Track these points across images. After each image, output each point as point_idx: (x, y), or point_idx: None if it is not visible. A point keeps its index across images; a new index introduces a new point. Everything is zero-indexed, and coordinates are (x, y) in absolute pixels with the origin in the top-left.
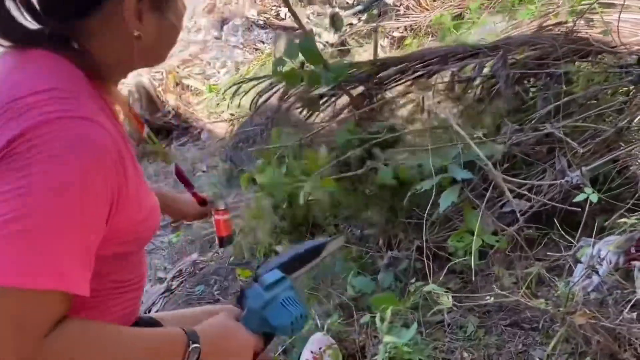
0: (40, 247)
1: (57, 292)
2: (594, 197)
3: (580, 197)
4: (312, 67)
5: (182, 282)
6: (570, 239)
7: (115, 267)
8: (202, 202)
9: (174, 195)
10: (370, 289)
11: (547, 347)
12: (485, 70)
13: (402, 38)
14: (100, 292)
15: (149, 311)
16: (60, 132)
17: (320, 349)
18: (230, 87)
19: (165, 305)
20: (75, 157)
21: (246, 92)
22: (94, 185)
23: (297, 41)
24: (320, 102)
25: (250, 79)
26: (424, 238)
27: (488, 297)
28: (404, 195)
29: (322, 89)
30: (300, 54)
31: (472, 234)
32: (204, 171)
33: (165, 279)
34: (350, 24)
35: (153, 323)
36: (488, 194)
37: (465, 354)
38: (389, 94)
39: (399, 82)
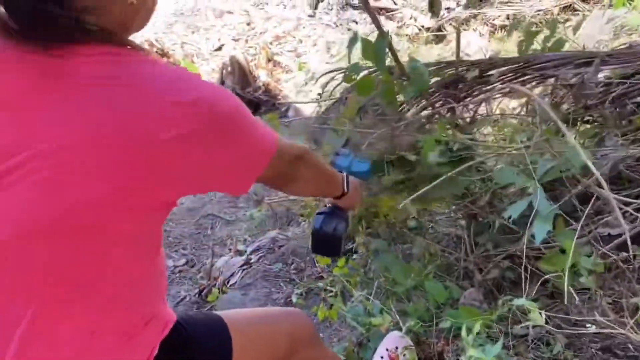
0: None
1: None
2: None
3: None
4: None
5: (260, 257)
6: None
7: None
8: None
9: None
10: (456, 295)
11: None
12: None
13: (503, 27)
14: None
15: (228, 282)
16: None
17: (396, 348)
18: (321, 77)
19: (244, 277)
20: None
21: (332, 78)
22: None
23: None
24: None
25: (339, 71)
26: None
27: (589, 325)
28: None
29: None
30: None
31: (565, 252)
32: None
33: (245, 251)
34: (448, 9)
35: (218, 325)
36: (587, 210)
37: None
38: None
39: (492, 85)
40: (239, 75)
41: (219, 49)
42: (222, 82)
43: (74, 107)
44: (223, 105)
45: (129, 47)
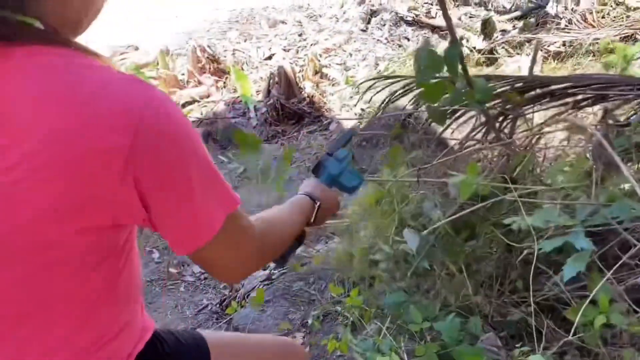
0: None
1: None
2: None
3: None
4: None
5: (282, 274)
6: None
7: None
8: None
9: None
10: (475, 331)
11: None
12: None
13: (558, 54)
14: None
15: (248, 296)
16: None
17: None
18: (364, 82)
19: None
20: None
21: (379, 91)
22: None
23: (441, 52)
24: (450, 117)
25: (387, 77)
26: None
27: None
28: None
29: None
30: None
31: (597, 305)
32: None
33: (268, 266)
34: (504, 31)
35: (202, 347)
36: (625, 258)
37: None
38: (531, 120)
39: (547, 107)
40: (285, 85)
41: (269, 57)
42: (269, 92)
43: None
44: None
45: (73, 48)
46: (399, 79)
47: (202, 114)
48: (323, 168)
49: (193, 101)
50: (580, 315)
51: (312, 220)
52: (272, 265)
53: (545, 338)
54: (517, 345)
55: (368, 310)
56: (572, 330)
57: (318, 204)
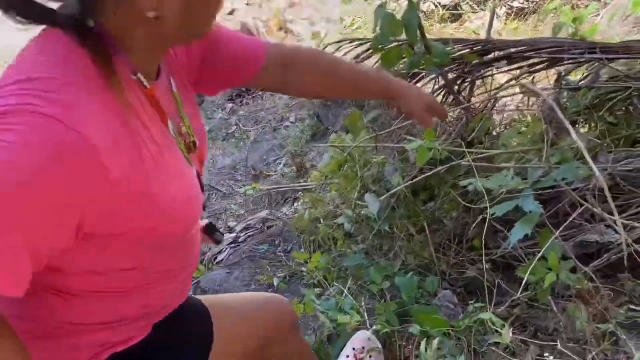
0: None
1: None
2: None
3: None
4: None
5: (249, 236)
6: None
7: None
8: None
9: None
10: (430, 289)
11: None
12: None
13: (522, 10)
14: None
15: (215, 258)
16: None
17: (363, 348)
18: (328, 45)
19: (231, 255)
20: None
21: (344, 53)
22: (47, 187)
23: (398, 16)
24: (410, 80)
25: (351, 40)
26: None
27: (546, 354)
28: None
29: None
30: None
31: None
32: (292, 122)
33: (235, 229)
34: None
35: (200, 310)
36: (571, 219)
37: None
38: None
39: (504, 70)
40: None
41: (231, 13)
42: None
43: None
44: None
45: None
46: (363, 41)
47: None
48: None
49: None
50: (529, 273)
51: None
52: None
53: (498, 294)
54: (471, 302)
55: (331, 272)
56: (522, 287)
57: None
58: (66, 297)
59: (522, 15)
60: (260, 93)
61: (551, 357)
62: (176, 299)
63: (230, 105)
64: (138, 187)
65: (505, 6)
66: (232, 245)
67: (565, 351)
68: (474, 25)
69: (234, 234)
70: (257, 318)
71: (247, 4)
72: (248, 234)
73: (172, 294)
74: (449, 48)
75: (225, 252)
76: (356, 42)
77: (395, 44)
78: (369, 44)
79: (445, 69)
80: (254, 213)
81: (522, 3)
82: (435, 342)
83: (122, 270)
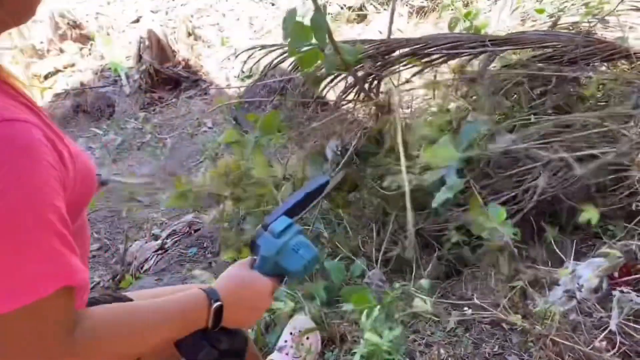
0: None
1: (59, 290)
2: (595, 218)
3: (584, 218)
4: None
5: (175, 241)
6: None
7: None
8: None
9: None
10: (358, 272)
11: (523, 354)
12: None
13: (422, 8)
14: None
15: (142, 267)
16: None
17: (300, 331)
18: (241, 53)
19: (158, 262)
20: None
21: (258, 60)
22: (42, 179)
23: (306, 21)
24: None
25: (263, 47)
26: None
27: (466, 308)
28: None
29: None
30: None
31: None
32: (209, 127)
33: (160, 236)
34: None
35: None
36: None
37: (442, 351)
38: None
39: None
40: (157, 49)
41: (137, 20)
42: (140, 57)
43: None
44: None
45: None
46: (276, 47)
47: (68, 85)
48: (256, 248)
49: (57, 71)
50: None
51: (209, 323)
52: None
53: (421, 268)
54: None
55: None
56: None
57: (217, 304)
58: None
59: (423, 14)
60: (173, 100)
61: (470, 310)
62: None
63: (143, 114)
64: (71, 166)
65: (407, 5)
66: (159, 252)
67: (482, 304)
68: (378, 25)
69: (159, 241)
70: None
71: (153, 11)
72: (174, 239)
73: None
74: (357, 47)
75: (152, 260)
76: (266, 49)
77: (308, 47)
78: (283, 48)
79: (355, 67)
80: (179, 218)
81: (422, 2)
82: (376, 309)
83: None
